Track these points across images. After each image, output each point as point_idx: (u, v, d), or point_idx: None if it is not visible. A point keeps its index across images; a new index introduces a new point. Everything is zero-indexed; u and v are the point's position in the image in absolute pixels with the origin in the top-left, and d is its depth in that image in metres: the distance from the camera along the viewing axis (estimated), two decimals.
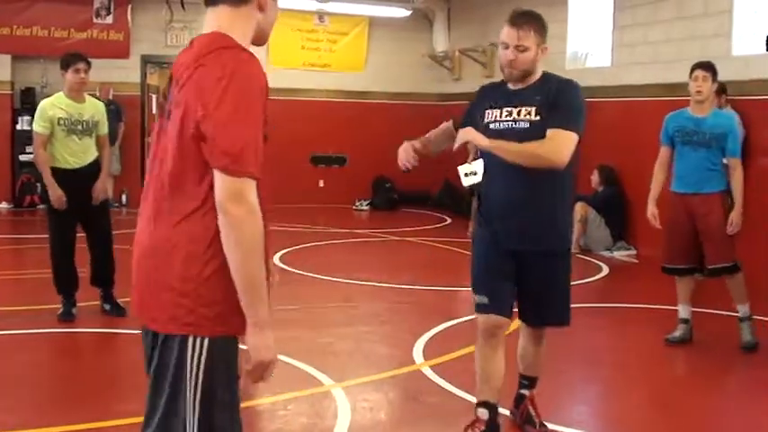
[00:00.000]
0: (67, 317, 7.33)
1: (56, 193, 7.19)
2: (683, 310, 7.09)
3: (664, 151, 7.09)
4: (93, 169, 7.41)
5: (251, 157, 2.49)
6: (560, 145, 4.30)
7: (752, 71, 10.08)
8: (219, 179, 2.49)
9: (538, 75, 4.54)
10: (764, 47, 9.91)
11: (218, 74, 2.50)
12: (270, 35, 2.84)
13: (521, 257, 4.59)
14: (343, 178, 17.25)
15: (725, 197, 6.90)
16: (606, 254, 11.73)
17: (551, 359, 6.75)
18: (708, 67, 6.88)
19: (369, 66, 17.56)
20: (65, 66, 7.37)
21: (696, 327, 7.12)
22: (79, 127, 7.32)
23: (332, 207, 16.56)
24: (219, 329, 2.62)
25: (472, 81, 16.32)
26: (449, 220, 15.37)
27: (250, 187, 2.49)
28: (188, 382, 2.61)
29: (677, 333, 7.06)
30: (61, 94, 7.45)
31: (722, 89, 9.50)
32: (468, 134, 4.43)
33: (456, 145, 4.49)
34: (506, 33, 4.48)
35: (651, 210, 7.04)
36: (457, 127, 4.69)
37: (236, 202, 2.47)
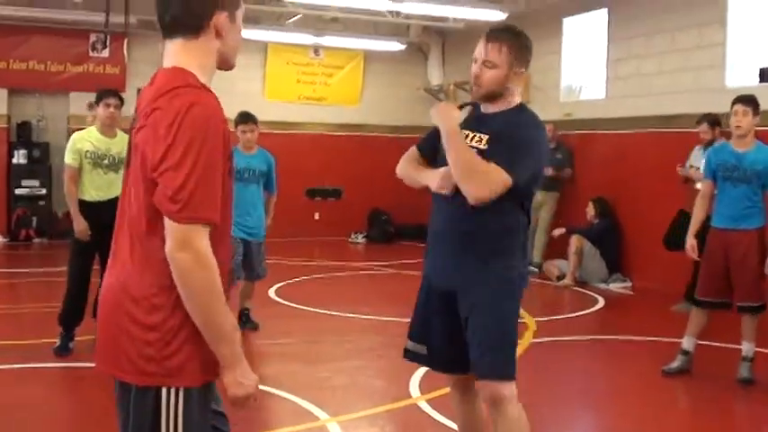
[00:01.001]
0: (64, 351, 7.31)
1: (80, 226, 7.28)
2: (688, 342, 7.05)
3: (707, 185, 7.02)
4: (116, 205, 7.40)
5: (201, 202, 2.43)
6: (486, 182, 3.73)
7: None
8: (167, 226, 2.45)
9: (513, 103, 4.00)
10: (758, 78, 9.98)
11: (170, 119, 2.45)
12: (235, 59, 2.77)
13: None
14: (338, 211, 17.26)
15: (763, 234, 6.84)
16: (602, 286, 11.71)
17: (548, 390, 6.74)
18: (748, 101, 6.81)
19: (364, 99, 17.62)
20: (97, 100, 7.51)
21: (694, 359, 7.10)
22: (105, 161, 7.38)
23: (328, 240, 16.56)
24: (192, 378, 2.58)
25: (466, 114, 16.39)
26: None
27: (198, 233, 2.44)
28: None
29: (675, 364, 7.04)
30: (94, 128, 7.54)
31: (716, 121, 9.54)
32: (436, 115, 4.00)
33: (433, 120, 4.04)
34: (478, 46, 3.99)
35: (690, 242, 6.93)
36: (420, 147, 4.36)
37: (182, 249, 2.43)
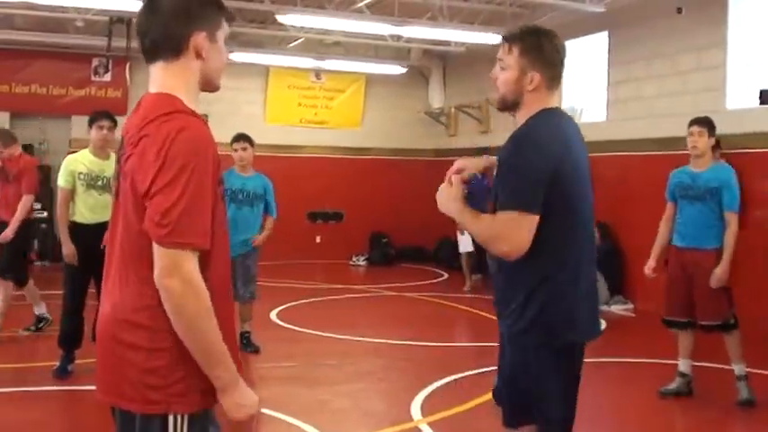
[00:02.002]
0: (63, 373, 7.30)
1: (68, 249, 7.29)
2: (683, 365, 7.07)
3: (668, 207, 7.14)
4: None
5: (188, 227, 2.42)
6: (500, 234, 3.34)
7: (745, 125, 10.15)
8: (155, 251, 2.43)
9: (531, 112, 3.49)
10: (758, 100, 10.00)
11: (158, 145, 2.44)
12: (219, 80, 2.73)
13: None
14: (339, 234, 17.26)
15: (721, 254, 6.87)
16: (603, 308, 11.69)
17: None
18: (703, 122, 6.94)
19: (365, 122, 17.66)
20: (90, 122, 7.50)
21: (696, 380, 7.08)
22: (99, 183, 7.39)
23: (329, 263, 16.55)
24: (196, 403, 2.55)
25: (468, 137, 16.46)
26: (446, 275, 15.35)
27: (186, 259, 2.41)
28: None
29: (672, 385, 7.04)
30: (87, 150, 7.54)
31: (716, 143, 9.55)
32: (443, 205, 3.57)
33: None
34: None
35: (650, 263, 7.05)
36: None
37: (170, 275, 2.41)
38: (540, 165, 3.31)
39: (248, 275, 8.41)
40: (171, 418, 2.52)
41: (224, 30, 2.70)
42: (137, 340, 2.52)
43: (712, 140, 6.99)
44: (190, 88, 2.63)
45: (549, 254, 3.35)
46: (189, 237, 2.42)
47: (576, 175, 3.46)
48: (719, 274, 6.75)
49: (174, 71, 2.61)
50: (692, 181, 6.90)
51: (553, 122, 3.49)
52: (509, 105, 3.55)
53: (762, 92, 9.97)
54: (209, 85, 2.71)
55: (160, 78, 2.63)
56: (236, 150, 8.43)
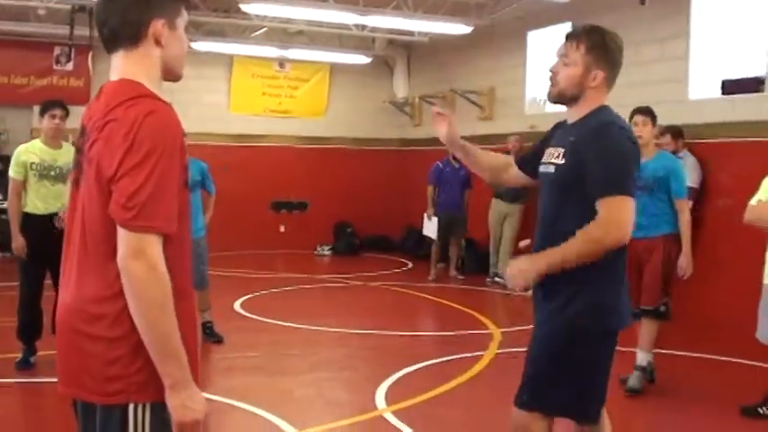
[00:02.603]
0: (25, 365, 7.24)
1: (17, 242, 7.19)
2: (639, 357, 6.96)
3: None
4: None
5: (155, 211, 2.39)
6: (610, 221, 3.49)
7: (708, 115, 10.24)
8: (120, 234, 2.39)
9: (591, 108, 3.72)
10: (720, 91, 10.09)
11: (126, 128, 2.41)
12: (181, 69, 2.71)
13: None
14: (304, 224, 17.22)
15: (669, 240, 6.92)
16: None
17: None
18: (646, 111, 6.97)
19: (330, 112, 17.61)
20: (42, 111, 7.39)
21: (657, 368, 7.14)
22: (52, 173, 7.30)
23: (293, 253, 16.52)
24: (157, 392, 2.49)
25: (432, 127, 16.46)
26: (410, 265, 15.37)
27: (151, 243, 2.39)
28: None
29: (634, 381, 6.90)
30: (38, 140, 7.46)
31: (679, 133, 9.66)
32: (515, 278, 3.65)
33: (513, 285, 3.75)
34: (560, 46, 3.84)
35: None
36: (518, 162, 4.18)
37: (135, 258, 2.37)
38: (632, 152, 3.64)
39: (200, 262, 8.36)
40: (131, 408, 2.50)
41: (183, 17, 2.68)
42: (96, 330, 2.49)
43: (656, 129, 7.04)
44: (151, 76, 2.61)
45: None
46: (155, 220, 2.39)
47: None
48: (685, 263, 6.82)
49: (134, 59, 2.60)
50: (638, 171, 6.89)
51: (621, 118, 3.79)
52: (567, 99, 3.75)
53: (724, 82, 10.06)
54: (170, 74, 2.68)
55: (121, 66, 2.61)
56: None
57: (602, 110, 3.72)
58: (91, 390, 2.53)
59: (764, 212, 5.72)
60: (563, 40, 3.81)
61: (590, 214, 3.50)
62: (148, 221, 2.38)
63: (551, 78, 3.77)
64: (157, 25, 2.58)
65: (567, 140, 3.67)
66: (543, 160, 3.85)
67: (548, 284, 3.66)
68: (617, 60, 3.75)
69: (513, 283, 3.65)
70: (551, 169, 3.73)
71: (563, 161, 3.66)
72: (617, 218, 3.48)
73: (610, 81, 3.74)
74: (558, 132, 3.89)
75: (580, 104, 3.72)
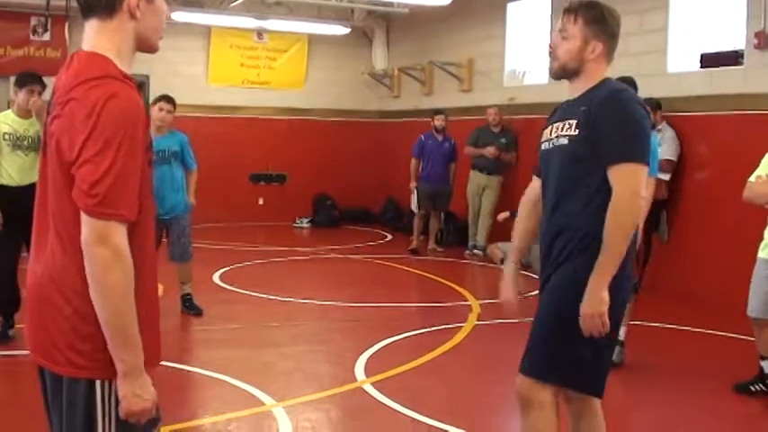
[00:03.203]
0: (3, 338, 7.21)
1: None
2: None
3: None
4: None
5: (118, 198, 2.37)
6: (625, 192, 3.49)
7: (686, 88, 10.26)
8: (84, 221, 2.38)
9: (595, 80, 3.73)
10: (698, 64, 10.11)
11: (86, 111, 2.39)
12: (157, 41, 2.67)
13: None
14: (283, 196, 17.18)
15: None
16: None
17: (489, 371, 6.79)
18: (631, 81, 6.94)
19: (308, 83, 17.54)
20: (19, 84, 7.27)
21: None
22: (25, 143, 7.24)
23: (272, 225, 16.49)
24: None
25: (411, 99, 16.45)
26: (390, 237, 15.39)
27: (116, 230, 2.37)
28: (101, 425, 2.52)
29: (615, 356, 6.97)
30: (10, 111, 7.40)
31: (657, 105, 9.68)
32: (592, 327, 3.50)
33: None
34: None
35: None
36: (537, 173, 4.03)
37: (100, 244, 2.36)
38: (646, 122, 3.65)
39: (183, 235, 8.35)
40: (98, 384, 2.51)
41: None
42: (66, 304, 2.49)
43: None
44: (123, 50, 2.58)
45: None
46: (118, 208, 2.38)
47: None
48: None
49: (108, 30, 2.57)
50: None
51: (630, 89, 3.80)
52: (568, 73, 3.75)
53: (702, 56, 10.08)
54: (144, 45, 2.65)
55: (93, 38, 2.58)
56: (161, 110, 8.23)
57: (609, 81, 3.75)
58: (58, 362, 2.53)
59: (760, 190, 5.76)
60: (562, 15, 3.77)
61: (600, 194, 3.53)
62: (112, 209, 2.37)
63: (551, 53, 3.79)
64: None
65: (579, 111, 3.64)
66: (549, 137, 3.79)
67: (556, 246, 3.69)
68: (615, 32, 3.79)
69: (594, 330, 3.49)
70: (563, 141, 3.67)
71: (576, 132, 3.61)
72: (632, 187, 3.49)
73: (609, 53, 3.78)
74: (562, 108, 3.85)
75: (582, 78, 3.73)
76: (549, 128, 3.82)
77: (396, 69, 16.99)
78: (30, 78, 7.32)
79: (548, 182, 3.81)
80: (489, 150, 12.80)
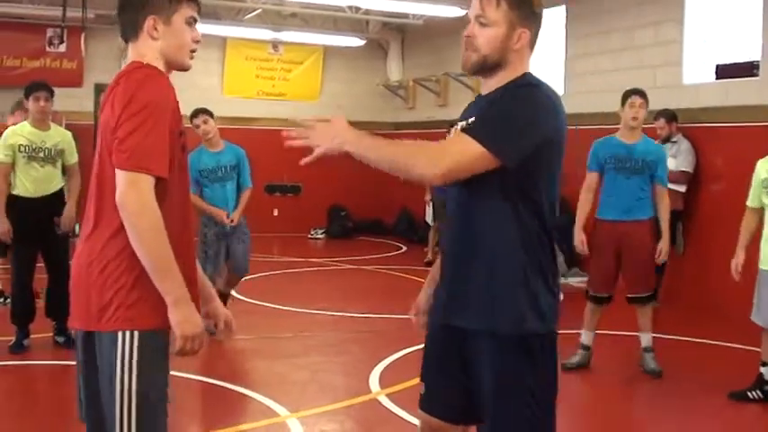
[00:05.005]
0: (19, 348, 7.22)
1: (2, 227, 7.13)
2: (587, 337, 7.07)
3: (592, 177, 7.06)
4: (55, 199, 7.36)
5: (147, 153, 2.78)
6: (442, 152, 2.97)
7: (702, 99, 10.23)
8: (117, 174, 2.79)
9: (516, 74, 3.06)
10: (714, 75, 10.09)
11: (124, 88, 2.85)
12: (183, 59, 3.11)
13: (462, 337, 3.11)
14: (298, 207, 17.20)
15: (653, 225, 6.92)
16: (561, 280, 11.75)
17: None
18: (643, 94, 6.97)
19: (323, 95, 17.58)
20: (27, 94, 7.31)
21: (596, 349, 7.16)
22: (41, 155, 7.26)
23: (287, 236, 16.51)
24: (145, 323, 2.86)
25: (426, 110, 16.46)
26: (404, 248, 15.38)
27: (141, 180, 2.76)
28: (119, 372, 2.84)
29: (576, 358, 7.02)
30: (26, 122, 7.41)
31: (673, 117, 9.67)
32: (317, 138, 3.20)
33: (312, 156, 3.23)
34: (471, 4, 3.10)
35: (580, 237, 6.95)
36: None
37: (127, 192, 2.75)
38: (546, 118, 2.98)
39: (242, 251, 8.34)
40: (120, 335, 2.85)
41: (182, 13, 3.04)
42: (96, 265, 2.87)
43: (646, 112, 7.03)
44: (157, 60, 3.03)
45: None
46: (145, 162, 2.77)
47: (562, 152, 3.10)
48: (665, 248, 6.83)
49: (136, 51, 3.04)
50: (627, 153, 6.86)
51: (552, 89, 3.11)
52: (489, 67, 3.07)
53: (718, 67, 10.06)
54: (173, 63, 3.09)
55: (131, 54, 3.05)
56: (197, 126, 8.11)
57: (530, 75, 3.08)
58: (84, 320, 2.93)
59: (740, 239, 6.27)
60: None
61: (510, 204, 2.96)
62: (139, 162, 2.77)
63: (468, 44, 3.06)
64: (149, 23, 3.00)
65: (481, 106, 3.07)
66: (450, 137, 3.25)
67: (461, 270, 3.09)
68: (540, 18, 3.13)
69: (314, 140, 3.17)
70: None
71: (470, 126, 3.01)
72: (451, 155, 2.91)
73: (533, 43, 3.11)
74: (470, 105, 3.26)
75: (502, 73, 3.06)
76: (454, 128, 3.21)
77: (411, 81, 17.00)
78: (35, 86, 7.35)
79: (450, 195, 3.23)
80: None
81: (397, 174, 3.03)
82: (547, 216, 3.04)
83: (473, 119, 3.03)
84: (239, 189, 8.32)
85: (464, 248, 3.08)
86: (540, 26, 3.13)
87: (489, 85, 3.10)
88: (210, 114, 8.20)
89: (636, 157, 6.83)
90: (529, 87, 3.00)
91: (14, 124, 7.78)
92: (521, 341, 2.99)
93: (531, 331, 3.01)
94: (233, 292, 8.67)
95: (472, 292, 3.04)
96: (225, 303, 8.42)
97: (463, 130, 2.98)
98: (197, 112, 8.16)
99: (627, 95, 6.94)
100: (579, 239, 6.96)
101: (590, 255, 7.02)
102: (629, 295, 6.93)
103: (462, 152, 2.90)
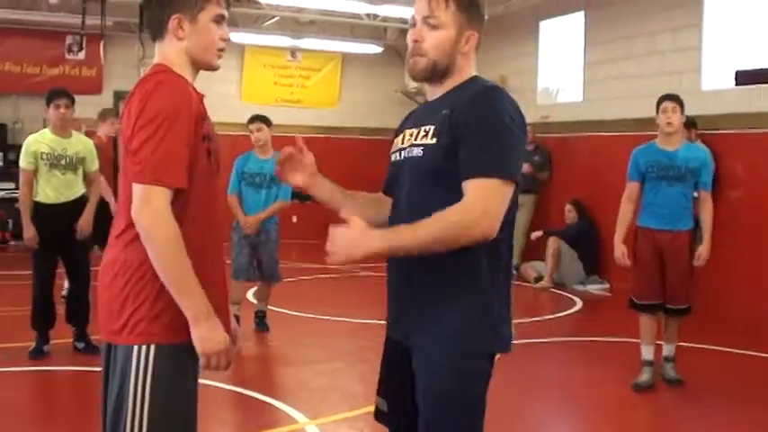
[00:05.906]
0: (38, 354, 7.26)
1: (29, 233, 7.19)
2: (647, 352, 6.87)
3: (633, 187, 6.92)
4: (76, 206, 7.40)
5: (161, 165, 2.68)
6: (477, 206, 2.68)
7: (721, 106, 10.20)
8: (134, 189, 2.70)
9: (464, 77, 2.95)
10: (733, 81, 10.05)
11: (139, 97, 2.74)
12: (211, 58, 2.99)
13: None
14: (316, 214, 17.16)
15: (693, 236, 6.84)
16: (579, 288, 11.75)
17: (523, 392, 6.75)
18: (676, 98, 6.80)
19: (342, 102, 17.61)
20: (48, 101, 7.36)
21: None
22: (62, 162, 7.31)
23: (305, 243, 16.49)
24: (161, 338, 2.78)
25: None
26: None
27: (155, 194, 2.67)
28: (132, 384, 2.76)
29: (644, 377, 6.80)
30: (47, 130, 7.45)
31: (692, 124, 9.62)
32: (341, 252, 3.06)
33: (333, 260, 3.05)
34: (415, 5, 2.94)
35: (621, 249, 6.76)
36: (386, 190, 3.45)
37: (140, 208, 2.68)
38: (520, 129, 2.82)
39: (271, 256, 8.41)
40: (135, 349, 2.77)
41: (209, 11, 2.93)
42: (119, 278, 2.80)
43: (683, 117, 6.86)
44: (181, 63, 2.92)
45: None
46: (158, 174, 2.68)
47: None
48: (704, 253, 6.72)
49: (161, 51, 2.95)
50: (669, 161, 6.71)
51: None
52: (438, 73, 2.93)
53: (737, 73, 10.01)
54: (199, 63, 2.98)
55: (155, 56, 2.96)
56: (252, 132, 8.45)
57: (479, 78, 2.97)
58: (107, 331, 2.86)
59: None
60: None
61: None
62: (153, 175, 2.68)
63: (415, 48, 2.91)
64: (174, 22, 2.89)
65: (439, 115, 2.84)
66: (401, 145, 3.03)
67: (417, 284, 3.08)
68: (484, 19, 3.00)
69: (334, 259, 3.02)
70: (417, 152, 2.89)
71: (434, 140, 2.82)
72: (486, 204, 2.68)
73: (478, 45, 2.99)
74: (418, 111, 3.11)
75: (450, 79, 2.94)
76: (401, 135, 3.05)
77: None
78: (55, 94, 7.40)
79: (398, 201, 3.12)
80: (523, 169, 12.76)
81: (448, 248, 2.73)
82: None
83: (434, 128, 2.86)
84: (276, 199, 8.35)
85: (408, 260, 2.98)
86: (483, 28, 3.01)
87: (436, 91, 2.98)
88: (267, 122, 8.40)
89: (678, 164, 6.69)
90: (493, 92, 2.85)
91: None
92: (459, 357, 2.99)
93: (469, 348, 2.98)
94: (262, 306, 8.70)
95: (414, 307, 3.12)
96: (263, 320, 8.51)
97: (468, 173, 2.73)
98: (253, 119, 8.49)
99: (659, 102, 6.85)
100: (620, 251, 6.76)
101: (634, 263, 6.85)
102: (669, 306, 6.80)
103: (499, 193, 2.72)
